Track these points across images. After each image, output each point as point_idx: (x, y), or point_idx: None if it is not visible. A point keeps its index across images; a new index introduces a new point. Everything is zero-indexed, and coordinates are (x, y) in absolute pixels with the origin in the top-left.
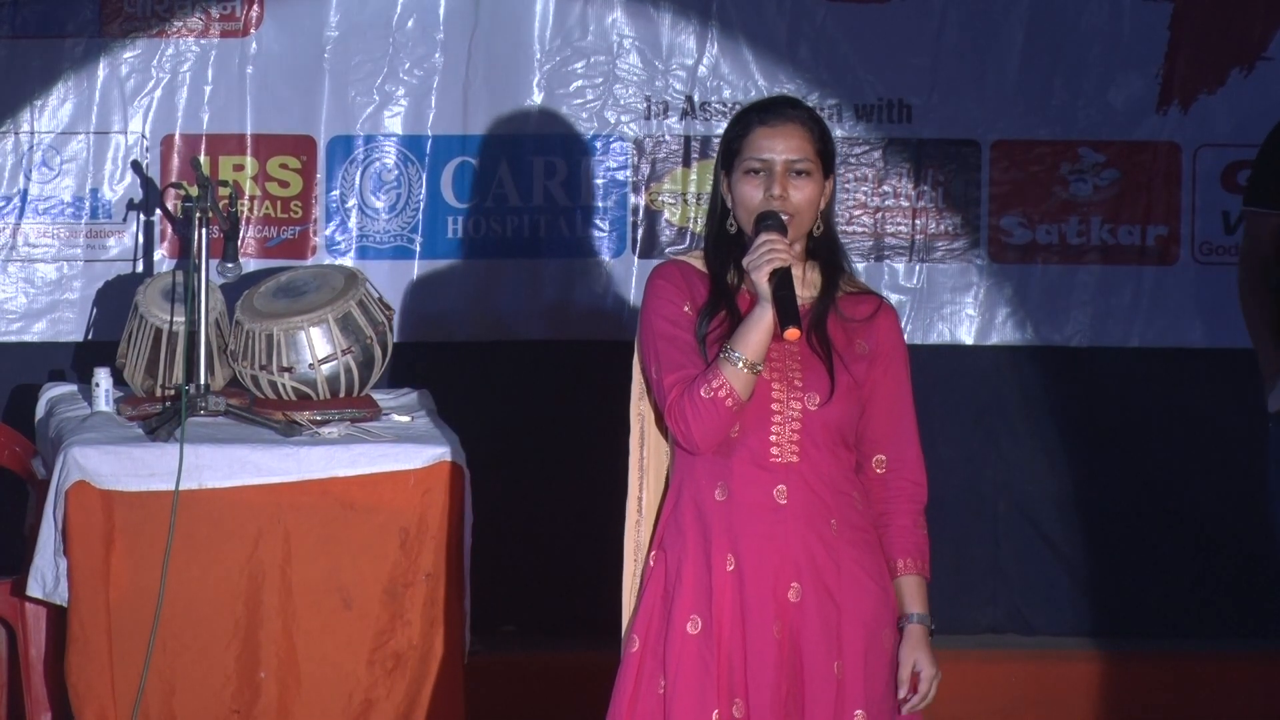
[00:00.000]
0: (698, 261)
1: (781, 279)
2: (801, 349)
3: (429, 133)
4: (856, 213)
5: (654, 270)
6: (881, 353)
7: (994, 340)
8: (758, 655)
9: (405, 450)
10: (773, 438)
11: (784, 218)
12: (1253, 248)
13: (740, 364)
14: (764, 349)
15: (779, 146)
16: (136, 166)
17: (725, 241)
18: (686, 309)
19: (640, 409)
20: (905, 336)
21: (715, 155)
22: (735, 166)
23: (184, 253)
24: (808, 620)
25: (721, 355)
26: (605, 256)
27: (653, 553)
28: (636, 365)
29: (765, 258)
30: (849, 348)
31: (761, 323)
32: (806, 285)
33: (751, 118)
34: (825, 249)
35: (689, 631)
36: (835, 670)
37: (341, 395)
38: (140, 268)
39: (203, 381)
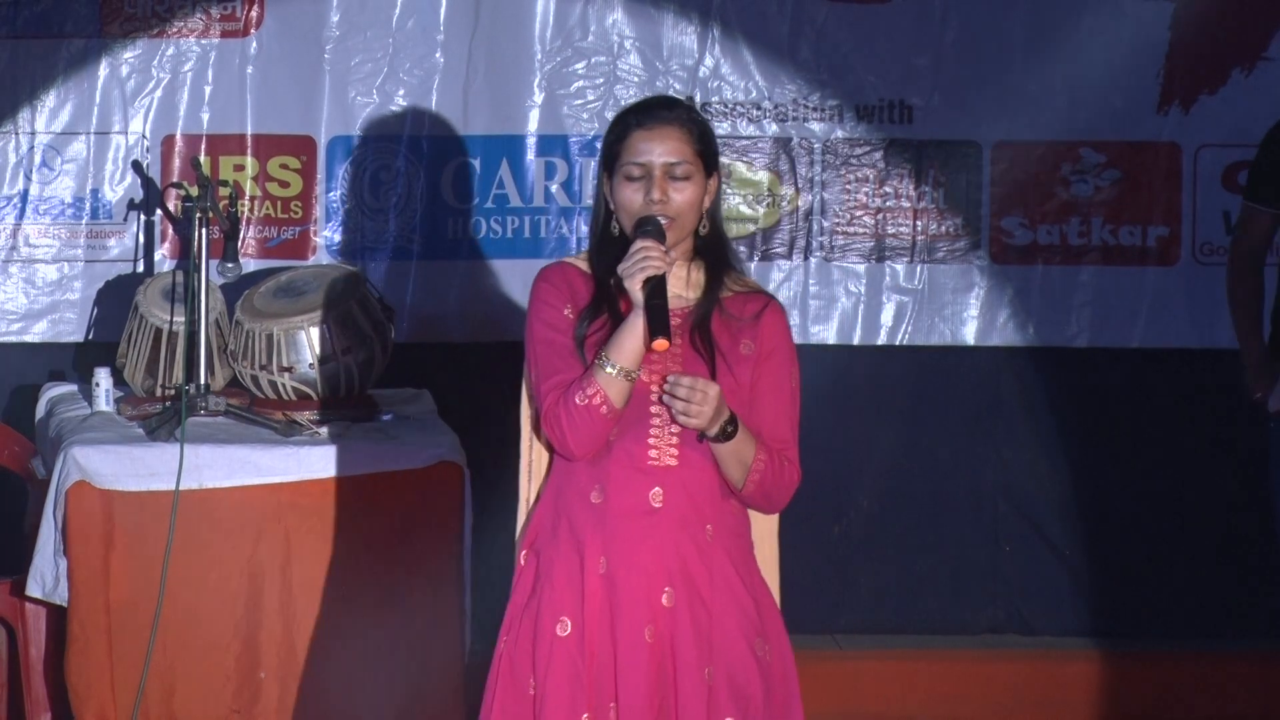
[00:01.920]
0: (583, 264)
1: (654, 288)
2: (685, 351)
3: (428, 133)
4: (858, 213)
5: (539, 272)
6: (766, 353)
7: (995, 341)
8: (629, 659)
9: (405, 450)
10: (651, 440)
11: (663, 221)
12: (1244, 238)
13: (614, 371)
14: (638, 356)
15: (656, 149)
16: (137, 167)
17: (609, 244)
18: (567, 312)
19: (530, 412)
20: (899, 337)
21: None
22: (616, 170)
23: (184, 253)
24: (680, 625)
25: (596, 362)
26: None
27: (523, 553)
28: (526, 369)
29: (638, 266)
30: (734, 349)
31: (635, 330)
32: (691, 285)
33: (629, 120)
34: (712, 248)
35: (558, 634)
36: (706, 676)
37: (341, 395)
38: (140, 268)
39: (203, 381)
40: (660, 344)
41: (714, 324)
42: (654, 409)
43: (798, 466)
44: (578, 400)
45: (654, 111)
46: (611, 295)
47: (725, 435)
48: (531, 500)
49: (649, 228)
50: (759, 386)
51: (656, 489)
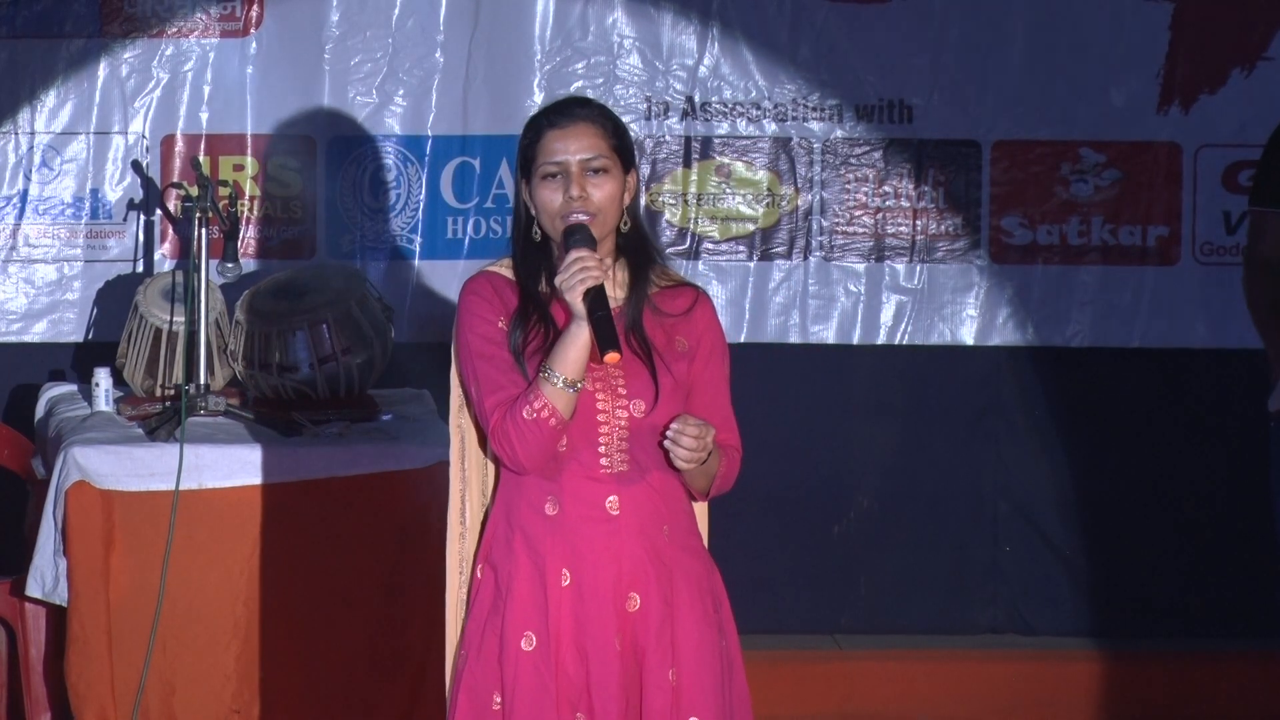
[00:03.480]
0: (508, 271)
1: (595, 298)
2: (623, 354)
3: (429, 133)
4: (857, 213)
5: (465, 284)
6: (701, 346)
7: (995, 341)
8: (601, 670)
9: (405, 450)
10: (601, 448)
11: (584, 218)
12: (1258, 247)
13: (560, 383)
14: (583, 366)
15: (571, 147)
16: (137, 166)
17: (533, 250)
18: (501, 324)
19: (460, 422)
20: (899, 336)
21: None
22: (533, 173)
23: (184, 253)
24: (647, 629)
25: (541, 375)
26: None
27: (479, 566)
28: (455, 377)
29: (577, 277)
30: (669, 347)
31: (578, 340)
32: (617, 284)
33: (541, 122)
34: (634, 245)
35: (523, 648)
36: (671, 678)
37: (341, 395)
38: (140, 268)
39: (203, 381)
40: (612, 357)
41: (646, 322)
42: (600, 417)
43: (740, 449)
44: (525, 415)
45: (567, 110)
46: (542, 303)
47: (701, 460)
48: (467, 511)
49: (579, 237)
50: (700, 380)
51: (612, 497)
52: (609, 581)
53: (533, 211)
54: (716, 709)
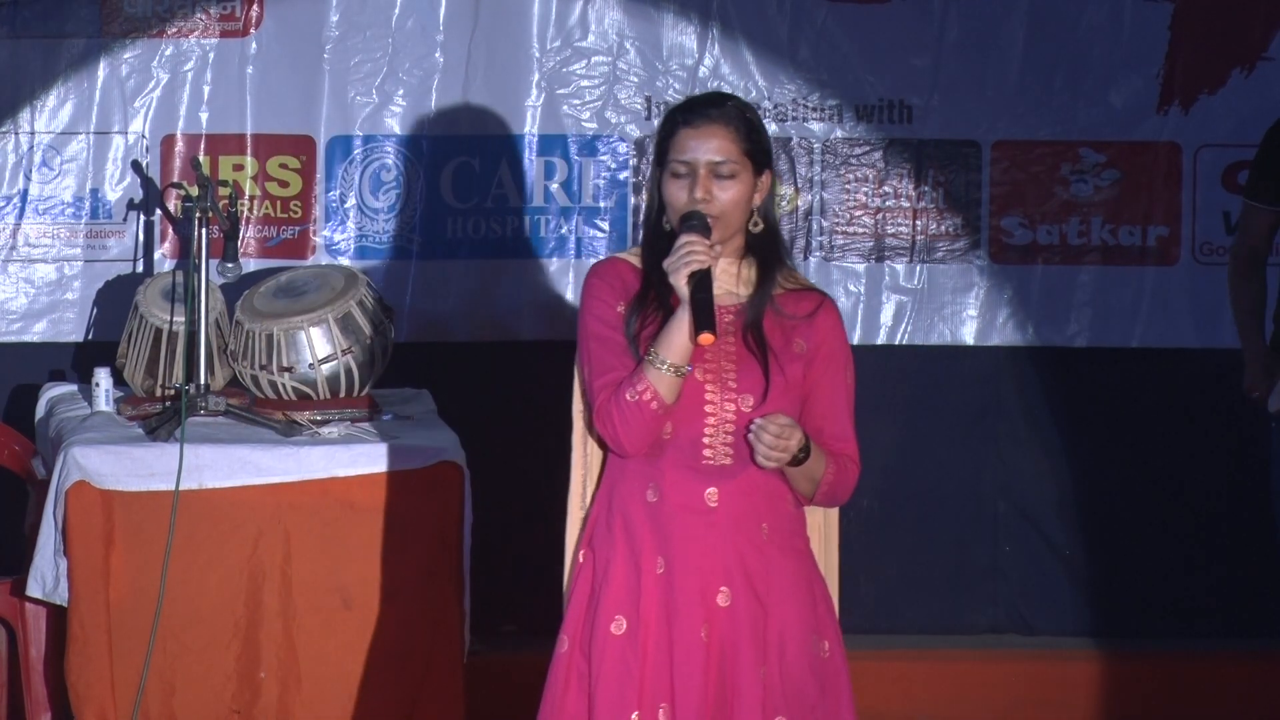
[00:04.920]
0: (635, 259)
1: (699, 282)
2: (738, 349)
3: (428, 133)
4: (857, 213)
5: (592, 268)
6: (821, 352)
7: (995, 341)
8: (684, 660)
9: (405, 450)
10: (705, 440)
11: (710, 219)
12: (1245, 237)
13: (664, 367)
14: (688, 352)
15: (701, 148)
16: (137, 166)
17: (661, 239)
18: (619, 308)
19: (581, 407)
20: (899, 336)
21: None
22: (664, 167)
23: (184, 253)
24: (737, 625)
25: (646, 359)
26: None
27: (582, 551)
28: (578, 365)
29: (683, 260)
30: (786, 347)
31: (683, 325)
32: (742, 282)
33: (677, 117)
34: (764, 245)
35: (612, 632)
36: (762, 676)
37: (341, 395)
38: (140, 268)
39: (203, 381)
40: (705, 338)
41: (766, 322)
42: (708, 408)
43: (858, 461)
44: (628, 397)
45: (701, 109)
46: (662, 290)
47: (797, 462)
48: (587, 496)
49: (694, 222)
50: (818, 386)
51: (712, 489)
52: (700, 573)
53: (664, 201)
54: (806, 713)
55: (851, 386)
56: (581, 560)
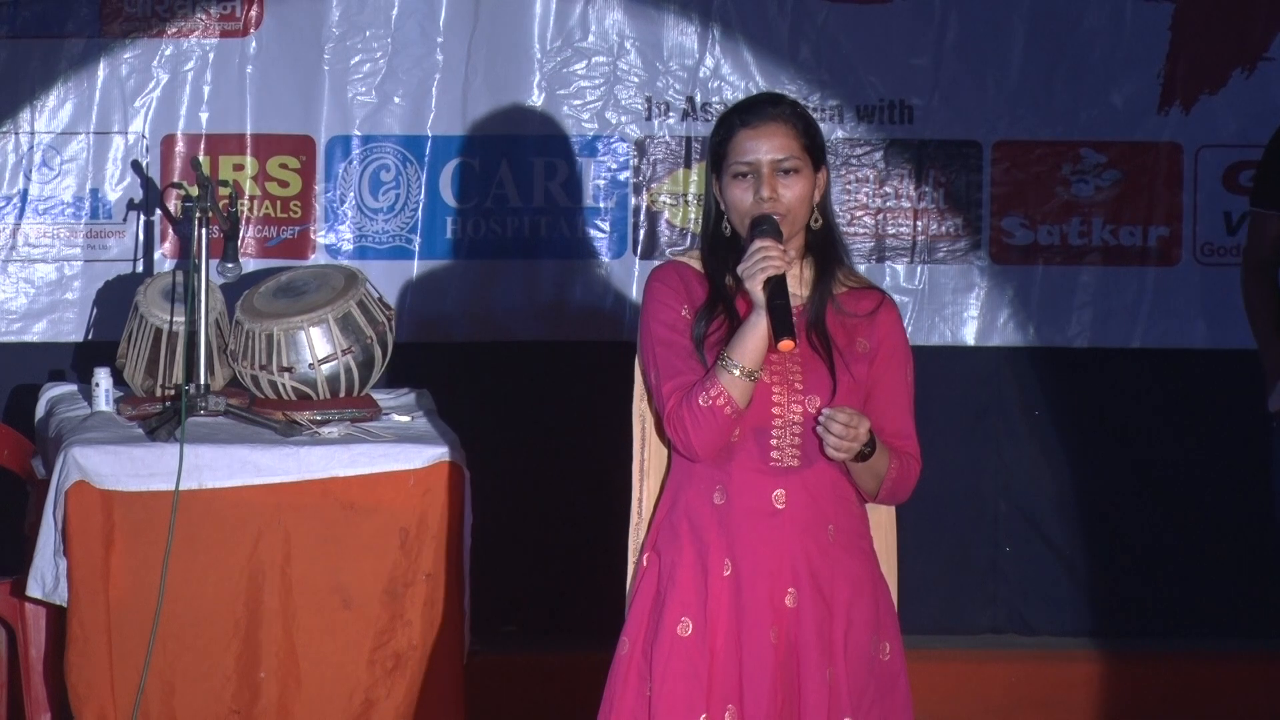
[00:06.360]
0: (696, 263)
1: (775, 287)
2: (802, 349)
3: (428, 133)
4: (858, 214)
5: (652, 272)
6: (882, 349)
7: (995, 341)
8: (754, 661)
9: (405, 450)
10: (773, 442)
11: (777, 218)
12: (1255, 247)
13: (737, 372)
14: (761, 356)
15: (763, 147)
16: (137, 166)
17: (721, 244)
18: (684, 312)
19: (641, 410)
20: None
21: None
22: (724, 170)
23: (184, 253)
24: (804, 626)
25: (719, 363)
26: (606, 257)
27: (646, 554)
28: (638, 367)
29: (759, 266)
30: (850, 346)
31: (758, 330)
32: (802, 282)
33: (734, 120)
34: (823, 243)
35: (679, 634)
36: (828, 677)
37: (341, 395)
38: (140, 268)
39: (203, 381)
40: (786, 344)
41: (829, 321)
42: (775, 410)
43: (919, 458)
44: (701, 401)
45: (759, 109)
46: (727, 295)
47: (863, 457)
48: (645, 499)
49: (765, 226)
50: (881, 384)
51: (779, 490)
52: (768, 574)
53: (722, 207)
54: (869, 713)
55: (911, 384)
56: (645, 564)
